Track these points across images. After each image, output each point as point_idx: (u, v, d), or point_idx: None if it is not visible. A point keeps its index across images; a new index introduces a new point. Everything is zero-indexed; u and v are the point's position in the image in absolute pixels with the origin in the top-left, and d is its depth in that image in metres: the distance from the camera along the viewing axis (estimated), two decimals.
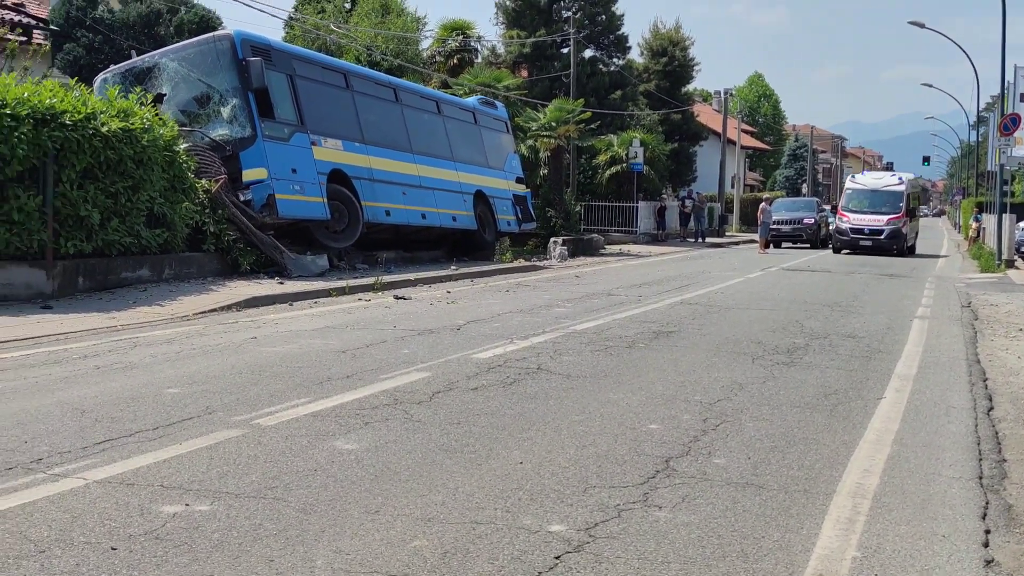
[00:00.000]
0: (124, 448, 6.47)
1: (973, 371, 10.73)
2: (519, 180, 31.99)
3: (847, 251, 38.51)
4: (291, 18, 44.26)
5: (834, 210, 43.69)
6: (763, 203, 42.37)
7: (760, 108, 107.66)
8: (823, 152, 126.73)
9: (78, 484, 5.67)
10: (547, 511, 5.43)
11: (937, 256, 39.84)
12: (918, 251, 41.33)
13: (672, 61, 57.89)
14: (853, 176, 45.40)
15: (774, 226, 42.02)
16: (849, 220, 39.07)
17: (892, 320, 15.44)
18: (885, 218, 38.50)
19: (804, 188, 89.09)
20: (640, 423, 7.60)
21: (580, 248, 34.87)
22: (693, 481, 6.10)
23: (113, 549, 4.69)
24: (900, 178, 42.11)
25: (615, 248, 38.86)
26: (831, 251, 39.85)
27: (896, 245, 38.08)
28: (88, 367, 9.62)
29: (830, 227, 44.05)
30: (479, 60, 48.08)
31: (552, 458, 6.53)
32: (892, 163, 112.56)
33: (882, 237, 38.10)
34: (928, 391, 9.46)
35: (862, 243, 38.18)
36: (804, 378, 9.89)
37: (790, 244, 44.65)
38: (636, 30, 51.87)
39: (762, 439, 7.22)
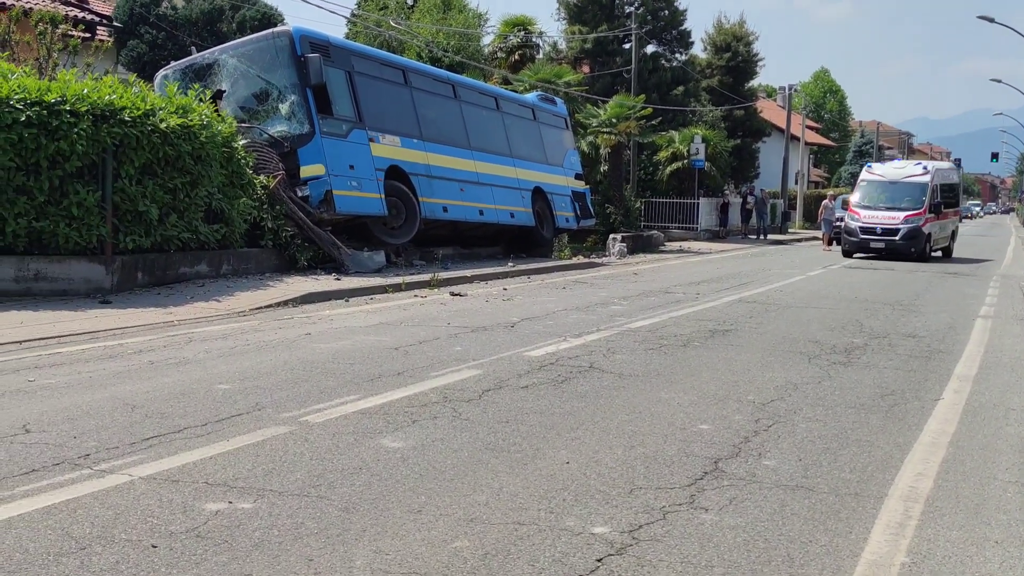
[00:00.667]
0: (172, 444, 6.50)
1: None
2: (578, 176, 31.83)
3: (858, 255, 32.78)
4: (353, 15, 44.52)
5: (844, 205, 37.40)
6: (825, 200, 41.73)
7: (826, 104, 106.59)
8: (889, 148, 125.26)
9: (123, 480, 5.69)
10: (591, 512, 5.37)
11: (993, 259, 35.13)
12: (957, 255, 35.51)
13: (735, 56, 57.30)
14: (869, 166, 37.89)
15: (837, 223, 41.31)
16: (860, 218, 32.77)
17: (954, 319, 15.19)
18: (902, 215, 32.07)
19: None
20: (690, 423, 7.51)
21: (639, 245, 34.68)
22: (742, 483, 6.00)
23: (154, 547, 4.69)
24: (925, 167, 35.20)
25: (675, 245, 38.64)
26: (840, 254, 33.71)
27: (915, 247, 31.73)
28: (142, 362, 9.68)
29: None
30: (540, 56, 48.02)
31: (599, 458, 6.46)
32: (960, 159, 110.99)
33: (897, 238, 31.75)
34: (988, 392, 9.27)
35: (872, 245, 32.26)
36: (861, 378, 9.73)
37: None
38: (699, 25, 51.37)
39: (814, 440, 7.10)
